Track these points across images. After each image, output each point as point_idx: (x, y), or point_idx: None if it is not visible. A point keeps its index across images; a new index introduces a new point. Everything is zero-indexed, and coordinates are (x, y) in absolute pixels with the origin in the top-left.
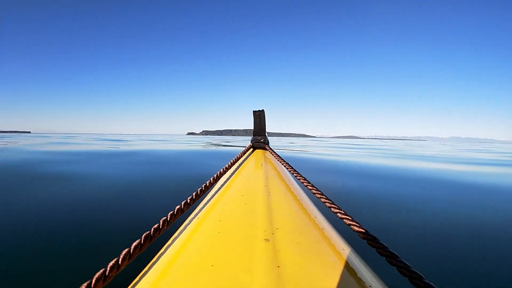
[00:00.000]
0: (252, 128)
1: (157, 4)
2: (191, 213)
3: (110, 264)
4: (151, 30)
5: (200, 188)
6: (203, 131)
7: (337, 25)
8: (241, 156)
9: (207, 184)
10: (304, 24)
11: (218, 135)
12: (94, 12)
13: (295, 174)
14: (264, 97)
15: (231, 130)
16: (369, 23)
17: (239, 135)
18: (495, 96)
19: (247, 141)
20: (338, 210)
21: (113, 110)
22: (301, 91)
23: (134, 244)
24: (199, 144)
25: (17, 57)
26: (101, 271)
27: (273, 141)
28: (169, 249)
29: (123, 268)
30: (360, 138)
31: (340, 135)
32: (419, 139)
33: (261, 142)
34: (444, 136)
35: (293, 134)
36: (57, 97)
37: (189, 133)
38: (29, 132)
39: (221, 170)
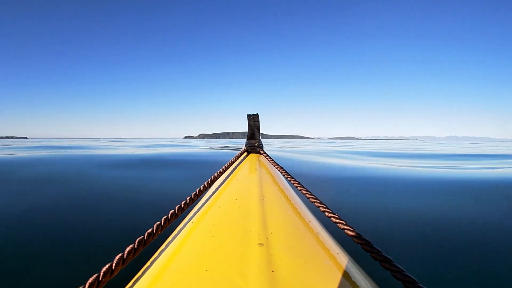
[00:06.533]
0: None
1: (153, 5)
2: (185, 217)
3: (104, 269)
4: (146, 32)
5: (194, 193)
6: (200, 134)
7: (333, 24)
8: (235, 160)
9: (201, 189)
10: (300, 24)
11: (216, 138)
12: (87, 13)
13: (289, 178)
14: (261, 99)
15: (228, 133)
16: (365, 22)
17: (236, 138)
18: (491, 94)
19: None
20: (332, 215)
21: (110, 114)
22: (298, 92)
23: (128, 248)
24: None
25: (12, 61)
26: (94, 276)
27: (271, 144)
28: (162, 253)
29: (116, 273)
30: (358, 139)
31: (338, 136)
32: (416, 139)
33: (255, 146)
34: (441, 136)
35: (290, 136)
36: (53, 101)
37: (186, 137)
38: (26, 138)
39: (215, 174)
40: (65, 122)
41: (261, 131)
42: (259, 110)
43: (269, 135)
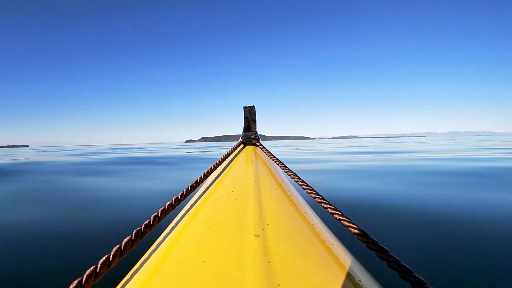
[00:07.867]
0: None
1: (153, 6)
2: (182, 209)
3: (101, 261)
4: (142, 35)
5: (190, 185)
6: (202, 138)
7: (332, 23)
8: (232, 152)
9: (198, 181)
10: (298, 23)
11: (217, 141)
12: (84, 15)
13: (285, 170)
14: (262, 100)
15: (229, 136)
16: (364, 20)
17: (237, 140)
18: (491, 88)
19: None
20: (328, 206)
21: (111, 120)
22: (298, 93)
23: (125, 240)
24: None
25: (11, 70)
26: (92, 268)
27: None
28: (160, 245)
29: (114, 265)
30: (359, 137)
31: (339, 136)
32: (417, 135)
33: (252, 138)
34: (443, 131)
35: (292, 137)
36: (52, 108)
37: (187, 141)
38: (27, 146)
39: (212, 166)
40: (67, 129)
41: (261, 133)
42: (260, 109)
43: (270, 137)
